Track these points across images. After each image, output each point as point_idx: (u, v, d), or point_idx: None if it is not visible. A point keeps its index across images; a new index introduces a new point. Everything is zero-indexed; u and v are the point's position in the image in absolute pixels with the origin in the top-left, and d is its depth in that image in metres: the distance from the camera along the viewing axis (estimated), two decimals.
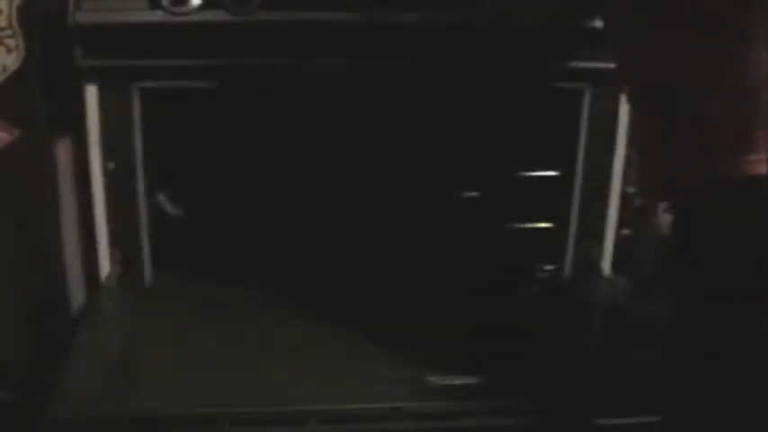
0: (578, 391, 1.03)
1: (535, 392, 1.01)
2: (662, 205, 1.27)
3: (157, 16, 1.14)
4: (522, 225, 1.34)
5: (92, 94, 1.19)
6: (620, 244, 1.31)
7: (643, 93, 0.92)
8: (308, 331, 1.12)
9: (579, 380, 1.05)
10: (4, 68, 1.21)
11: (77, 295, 1.26)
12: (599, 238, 1.30)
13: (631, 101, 0.99)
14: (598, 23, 1.11)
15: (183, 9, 1.14)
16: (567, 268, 1.32)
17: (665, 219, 1.28)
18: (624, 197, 1.29)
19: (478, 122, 1.30)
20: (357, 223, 1.30)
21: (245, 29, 1.15)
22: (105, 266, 1.24)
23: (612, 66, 1.00)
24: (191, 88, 1.18)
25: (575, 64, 1.20)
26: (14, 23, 1.20)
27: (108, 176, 1.21)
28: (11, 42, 1.20)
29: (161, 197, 1.29)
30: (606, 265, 1.31)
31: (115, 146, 1.21)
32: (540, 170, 1.31)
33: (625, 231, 1.33)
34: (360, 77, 1.20)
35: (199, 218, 1.29)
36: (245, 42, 1.16)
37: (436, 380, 1.01)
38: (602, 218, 1.29)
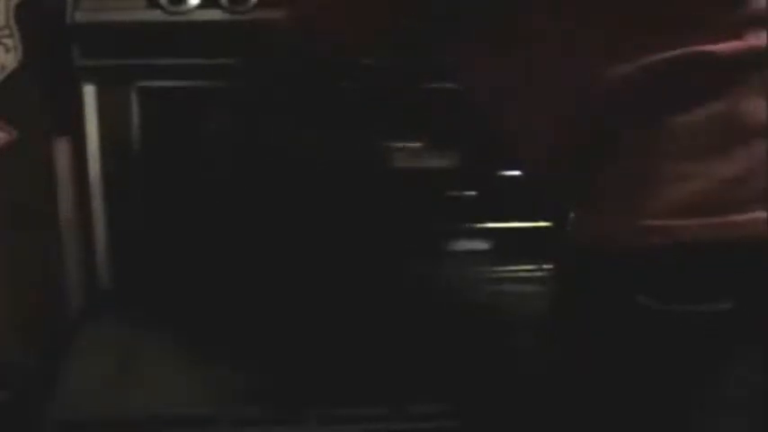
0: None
1: (533, 392, 1.01)
2: None
3: (156, 15, 1.14)
4: (521, 224, 1.34)
5: (90, 93, 1.19)
6: None
7: None
8: (309, 331, 1.12)
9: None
10: (3, 68, 1.21)
11: (77, 295, 1.26)
12: None
13: None
14: None
15: (182, 8, 1.15)
16: None
17: None
18: None
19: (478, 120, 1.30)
20: (354, 221, 1.30)
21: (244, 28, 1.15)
22: (104, 266, 1.24)
23: None
24: (189, 88, 1.19)
25: None
26: (12, 23, 1.20)
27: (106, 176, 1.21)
28: (9, 42, 1.20)
29: None
30: None
31: (114, 145, 1.21)
32: None
33: None
34: (354, 73, 1.20)
35: (196, 217, 1.29)
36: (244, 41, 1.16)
37: (436, 379, 1.01)
38: None
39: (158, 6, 1.14)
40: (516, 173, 1.29)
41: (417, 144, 1.32)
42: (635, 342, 0.79)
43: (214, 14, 1.15)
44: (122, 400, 0.99)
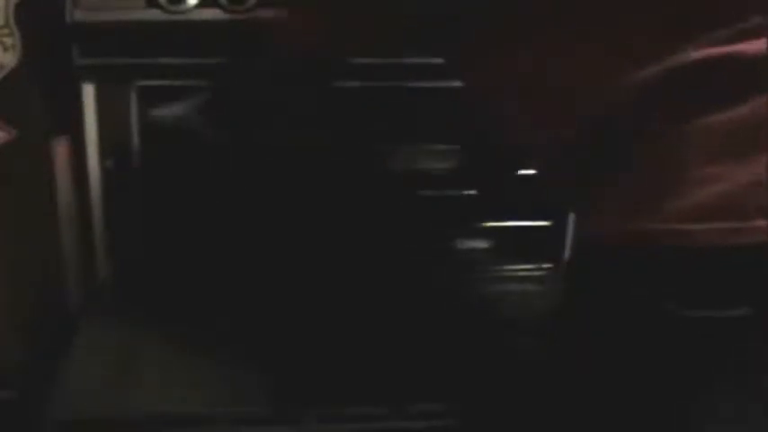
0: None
1: (533, 392, 1.01)
2: None
3: (155, 15, 1.14)
4: (521, 223, 1.34)
5: (89, 92, 1.19)
6: None
7: None
8: (309, 330, 1.12)
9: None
10: (1, 67, 1.20)
11: (77, 295, 1.26)
12: None
13: None
14: None
15: (181, 8, 1.15)
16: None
17: None
18: None
19: (478, 120, 1.30)
20: (354, 220, 1.30)
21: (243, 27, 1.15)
22: (104, 265, 1.24)
23: None
24: (189, 87, 1.19)
25: None
26: (11, 22, 1.20)
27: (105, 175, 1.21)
28: (8, 41, 1.20)
29: None
30: None
31: (113, 145, 1.21)
32: None
33: None
34: (354, 73, 1.20)
35: (196, 217, 1.29)
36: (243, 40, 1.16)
37: (436, 379, 1.01)
38: None
39: (157, 6, 1.14)
40: (516, 173, 1.30)
41: (417, 144, 1.32)
42: (636, 343, 0.79)
43: (213, 14, 1.15)
44: (122, 400, 0.99)
